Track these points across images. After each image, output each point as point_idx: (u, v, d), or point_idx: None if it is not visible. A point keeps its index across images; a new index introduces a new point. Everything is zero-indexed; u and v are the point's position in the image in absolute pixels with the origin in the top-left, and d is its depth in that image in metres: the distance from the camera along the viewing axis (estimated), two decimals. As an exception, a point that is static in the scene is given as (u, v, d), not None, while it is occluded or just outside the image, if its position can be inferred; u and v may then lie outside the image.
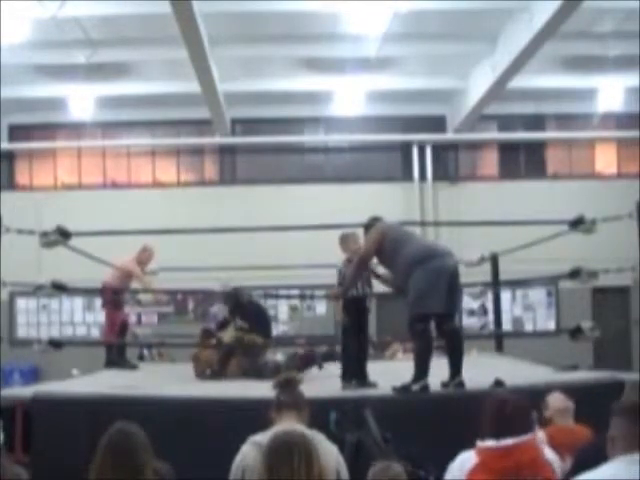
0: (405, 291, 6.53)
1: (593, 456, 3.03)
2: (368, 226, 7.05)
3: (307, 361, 8.75)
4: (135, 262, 10.09)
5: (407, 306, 6.44)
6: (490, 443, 3.26)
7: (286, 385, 3.97)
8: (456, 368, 6.42)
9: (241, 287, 9.77)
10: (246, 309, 9.24)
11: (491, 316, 13.35)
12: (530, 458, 3.25)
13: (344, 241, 7.25)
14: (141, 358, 12.01)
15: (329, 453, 3.60)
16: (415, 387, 6.16)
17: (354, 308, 7.11)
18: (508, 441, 3.23)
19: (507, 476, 3.19)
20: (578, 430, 4.77)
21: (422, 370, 6.22)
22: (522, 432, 3.27)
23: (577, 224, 7.97)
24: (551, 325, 15.92)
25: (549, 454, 3.35)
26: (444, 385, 6.36)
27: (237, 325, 9.16)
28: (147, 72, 14.60)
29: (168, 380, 8.50)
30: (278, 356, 10.03)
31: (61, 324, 15.85)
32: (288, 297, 14.82)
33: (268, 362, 8.82)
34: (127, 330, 10.75)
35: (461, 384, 6.35)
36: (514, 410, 3.35)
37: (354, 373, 6.90)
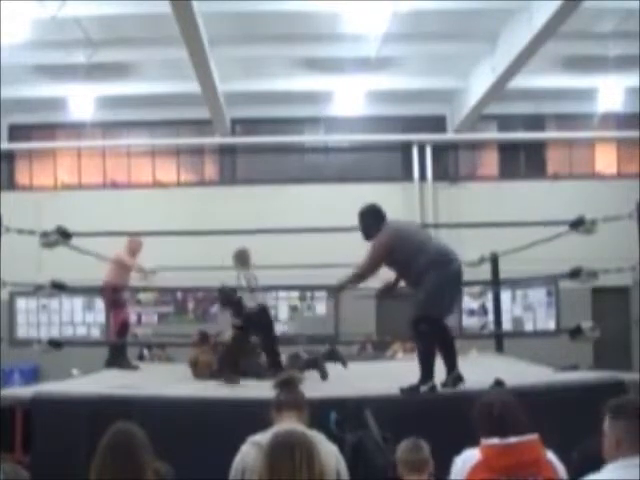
0: (414, 292, 6.49)
1: (594, 457, 3.03)
2: (365, 215, 6.76)
3: (309, 365, 8.74)
4: (126, 252, 10.06)
5: (414, 306, 6.41)
6: (494, 441, 3.27)
7: (286, 385, 3.97)
8: (451, 363, 6.43)
9: (226, 285, 9.70)
10: (239, 306, 9.21)
11: (491, 316, 13.35)
12: (532, 457, 3.26)
13: (238, 257, 8.02)
14: (141, 358, 12.02)
15: (329, 453, 3.60)
16: (423, 388, 6.17)
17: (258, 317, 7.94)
18: (511, 439, 3.25)
19: (508, 474, 3.20)
20: None
21: (428, 371, 6.23)
22: (524, 432, 3.28)
23: (577, 225, 7.96)
24: (551, 325, 15.93)
25: (551, 455, 3.36)
26: (444, 384, 6.36)
27: (232, 323, 9.13)
28: (147, 72, 14.61)
29: (168, 380, 8.49)
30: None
31: (61, 324, 15.86)
32: (289, 288, 14.80)
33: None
34: (128, 330, 10.73)
35: (459, 378, 6.35)
36: (511, 411, 3.36)
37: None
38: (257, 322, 8.37)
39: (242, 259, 8.17)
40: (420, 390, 6.17)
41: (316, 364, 8.59)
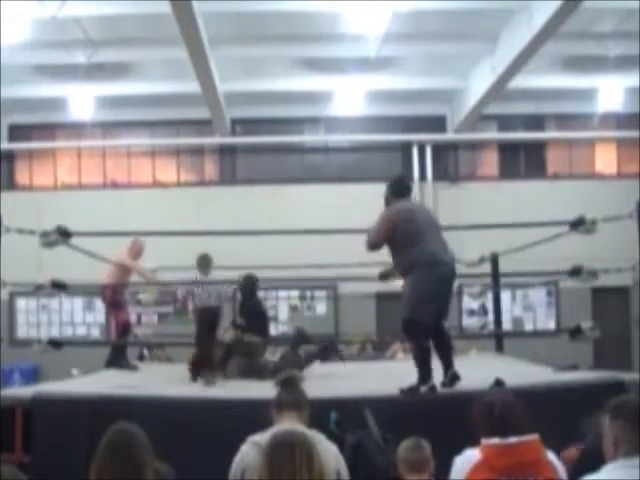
0: (403, 291, 6.48)
1: (595, 457, 3.03)
2: (390, 185, 6.67)
3: (315, 357, 8.80)
4: (128, 255, 10.05)
5: (403, 307, 6.38)
6: (494, 441, 3.27)
7: (287, 384, 3.95)
8: (447, 362, 6.43)
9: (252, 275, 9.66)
10: (249, 305, 9.23)
11: (491, 316, 13.35)
12: (532, 458, 3.25)
13: (198, 262, 8.59)
14: (141, 358, 12.02)
15: (329, 453, 3.59)
16: (423, 389, 6.16)
17: (205, 315, 8.46)
18: (511, 439, 3.24)
19: (509, 474, 3.19)
20: None
21: (426, 372, 6.23)
22: (525, 432, 3.28)
23: (577, 225, 7.95)
24: (551, 325, 15.93)
25: (551, 456, 3.36)
26: (443, 384, 6.36)
27: (235, 323, 9.16)
28: (147, 72, 14.61)
29: (168, 380, 8.49)
30: (278, 356, 10.03)
31: (61, 324, 15.86)
32: (289, 287, 14.89)
33: (268, 362, 8.83)
34: (130, 331, 10.71)
35: (456, 376, 6.33)
36: (512, 410, 3.36)
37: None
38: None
39: (201, 264, 8.65)
40: (420, 390, 6.17)
41: (322, 354, 8.67)
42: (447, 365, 6.43)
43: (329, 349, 8.86)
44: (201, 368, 8.13)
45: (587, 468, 2.94)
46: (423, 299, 6.23)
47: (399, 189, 6.66)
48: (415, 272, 6.28)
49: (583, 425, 4.62)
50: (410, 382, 6.23)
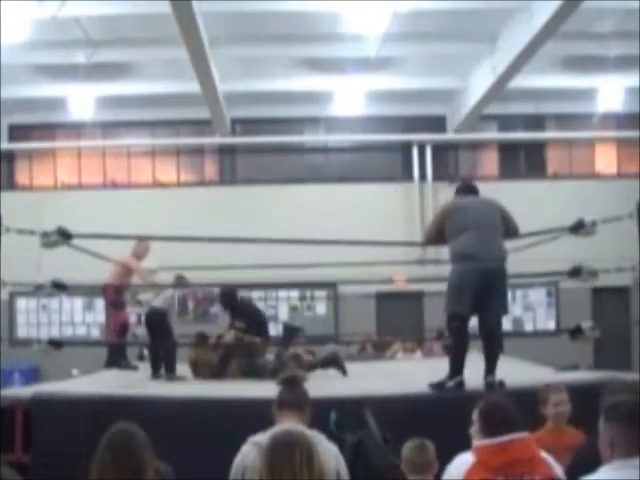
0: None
1: (591, 458, 3.02)
2: (457, 188, 7.01)
3: (328, 362, 8.82)
4: (132, 256, 10.05)
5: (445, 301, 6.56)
6: (486, 441, 3.28)
7: (289, 383, 3.95)
8: (487, 366, 6.43)
9: (231, 285, 9.87)
10: (241, 309, 9.31)
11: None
12: (527, 455, 3.26)
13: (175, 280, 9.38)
14: (141, 358, 12.01)
15: (329, 453, 3.59)
16: (450, 383, 6.22)
17: (156, 318, 9.05)
18: (504, 438, 3.25)
19: (505, 473, 3.20)
20: (570, 432, 4.77)
21: (457, 367, 6.31)
22: (516, 430, 3.29)
23: (577, 228, 7.92)
24: (551, 325, 15.93)
25: (545, 454, 3.36)
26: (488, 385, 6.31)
27: (235, 326, 9.17)
28: (147, 72, 14.61)
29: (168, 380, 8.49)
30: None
31: (61, 324, 15.86)
32: (288, 287, 14.91)
33: (267, 363, 8.83)
34: (127, 331, 10.72)
35: (489, 384, 6.30)
36: (505, 410, 3.37)
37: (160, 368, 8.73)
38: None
39: (175, 284, 9.44)
40: (447, 385, 6.21)
41: (335, 361, 8.70)
42: (486, 370, 6.40)
43: (332, 363, 8.86)
44: (159, 365, 8.73)
45: (583, 469, 2.94)
46: (452, 292, 6.43)
47: (462, 190, 7.00)
48: (453, 266, 6.49)
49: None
50: (413, 381, 6.26)
